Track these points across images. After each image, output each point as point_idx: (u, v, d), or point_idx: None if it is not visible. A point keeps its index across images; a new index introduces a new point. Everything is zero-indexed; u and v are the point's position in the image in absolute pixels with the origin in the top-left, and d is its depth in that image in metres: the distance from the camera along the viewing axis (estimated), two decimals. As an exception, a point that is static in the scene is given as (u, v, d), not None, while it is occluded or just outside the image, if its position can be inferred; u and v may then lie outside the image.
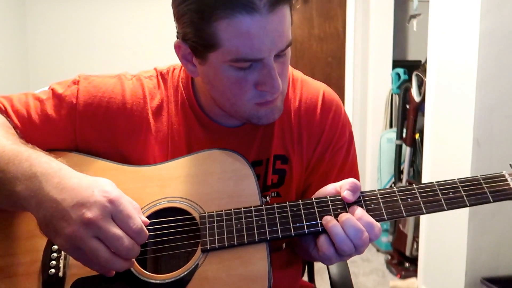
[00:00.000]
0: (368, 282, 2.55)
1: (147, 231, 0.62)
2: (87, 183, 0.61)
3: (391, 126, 3.19)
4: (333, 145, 0.85)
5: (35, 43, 3.20)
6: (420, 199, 0.67)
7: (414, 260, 2.53)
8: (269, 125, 0.83)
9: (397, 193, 0.68)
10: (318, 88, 0.87)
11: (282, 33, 0.68)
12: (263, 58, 0.67)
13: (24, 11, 3.17)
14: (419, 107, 2.64)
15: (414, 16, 2.89)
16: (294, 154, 0.83)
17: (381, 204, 0.67)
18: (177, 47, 0.74)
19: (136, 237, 0.61)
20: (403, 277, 2.55)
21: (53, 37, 3.21)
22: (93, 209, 0.58)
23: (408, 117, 2.79)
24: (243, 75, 0.69)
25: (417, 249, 2.49)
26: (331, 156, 0.85)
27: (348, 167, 0.87)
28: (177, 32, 0.73)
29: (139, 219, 0.62)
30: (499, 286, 1.78)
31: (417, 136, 2.76)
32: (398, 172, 2.92)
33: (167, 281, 0.66)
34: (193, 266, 0.67)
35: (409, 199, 0.67)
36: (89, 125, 0.78)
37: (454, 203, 0.66)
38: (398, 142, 2.93)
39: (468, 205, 0.65)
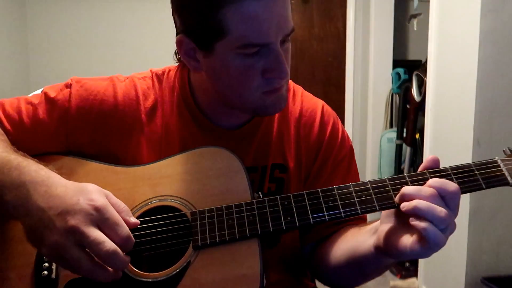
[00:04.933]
0: (368, 282, 2.55)
1: (133, 239, 0.62)
2: (73, 191, 0.61)
3: (391, 126, 3.19)
4: (333, 157, 0.85)
5: (35, 43, 3.20)
6: None
7: (414, 260, 2.53)
8: (267, 132, 0.83)
9: (388, 183, 0.67)
10: (317, 103, 0.89)
11: (286, 18, 0.69)
12: (270, 43, 0.68)
13: (24, 11, 3.17)
14: (420, 107, 2.64)
15: (414, 16, 2.89)
16: (292, 163, 0.83)
17: (373, 196, 0.67)
18: (179, 43, 0.73)
19: (123, 244, 0.60)
20: (403, 277, 2.55)
21: (53, 37, 3.21)
22: (77, 216, 0.58)
23: (408, 117, 2.80)
24: (251, 63, 0.69)
25: (417, 249, 2.48)
26: (333, 168, 0.85)
27: (350, 180, 0.86)
28: (177, 28, 0.73)
29: (126, 227, 0.61)
30: (499, 286, 1.78)
31: (417, 136, 2.77)
32: (398, 172, 2.92)
33: (159, 279, 0.66)
34: (185, 264, 0.67)
35: (400, 189, 0.66)
36: (81, 129, 0.78)
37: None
38: (399, 142, 2.93)
39: (461, 192, 0.63)
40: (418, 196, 0.60)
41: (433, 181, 0.61)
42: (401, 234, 0.62)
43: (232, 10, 0.64)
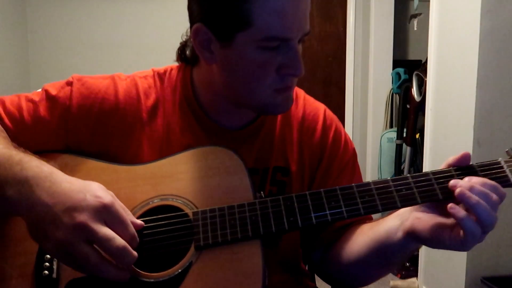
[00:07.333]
0: (369, 282, 2.55)
1: (138, 238, 0.62)
2: (79, 188, 0.61)
3: (391, 126, 3.19)
4: (338, 161, 0.85)
5: (35, 43, 3.20)
6: (415, 190, 0.66)
7: (414, 260, 2.53)
8: (269, 135, 0.84)
9: (391, 183, 0.67)
10: (319, 107, 0.89)
11: (307, 17, 0.71)
12: (291, 39, 0.69)
13: (24, 11, 3.17)
14: (420, 107, 2.64)
15: (414, 16, 2.89)
16: (295, 167, 0.83)
17: (376, 196, 0.67)
18: (195, 31, 0.72)
19: (130, 242, 0.60)
20: (403, 276, 2.55)
21: (53, 37, 3.21)
22: (85, 213, 0.58)
23: (408, 116, 2.80)
24: (269, 57, 0.70)
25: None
26: (339, 172, 0.85)
27: (355, 183, 0.86)
28: (194, 17, 0.72)
29: (132, 225, 0.62)
30: (499, 286, 1.78)
31: (417, 135, 2.77)
32: (398, 172, 2.92)
33: (161, 279, 0.66)
34: (187, 264, 0.66)
35: (404, 190, 0.66)
36: (82, 127, 0.78)
37: (449, 192, 0.64)
38: (399, 141, 2.93)
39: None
40: (472, 190, 0.62)
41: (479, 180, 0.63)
42: (439, 225, 0.64)
43: (260, 1, 0.66)
